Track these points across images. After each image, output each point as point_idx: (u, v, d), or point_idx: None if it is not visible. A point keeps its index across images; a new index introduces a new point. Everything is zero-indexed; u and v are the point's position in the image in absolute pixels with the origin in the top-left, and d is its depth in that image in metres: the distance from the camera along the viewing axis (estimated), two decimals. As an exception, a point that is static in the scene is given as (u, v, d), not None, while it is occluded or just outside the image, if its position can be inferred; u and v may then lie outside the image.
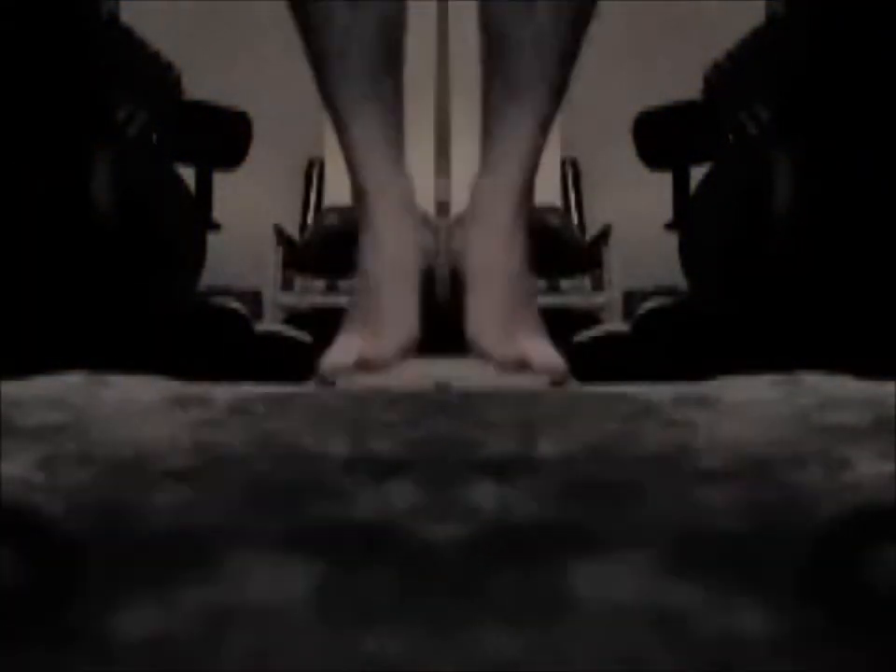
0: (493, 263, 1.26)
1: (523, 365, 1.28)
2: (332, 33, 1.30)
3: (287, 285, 5.29)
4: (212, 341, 1.97)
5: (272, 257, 5.28)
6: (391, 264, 1.27)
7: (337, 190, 5.52)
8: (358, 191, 1.32)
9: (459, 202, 4.93)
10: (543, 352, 1.28)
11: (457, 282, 1.29)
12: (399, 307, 1.27)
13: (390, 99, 1.33)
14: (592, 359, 2.03)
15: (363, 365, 1.27)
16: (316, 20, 1.32)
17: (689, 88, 2.20)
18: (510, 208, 1.26)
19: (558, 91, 1.33)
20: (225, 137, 2.19)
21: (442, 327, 1.39)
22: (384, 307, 1.27)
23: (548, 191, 5.61)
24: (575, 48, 1.35)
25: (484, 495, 0.88)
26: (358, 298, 1.30)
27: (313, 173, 5.86)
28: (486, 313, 1.25)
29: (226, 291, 4.57)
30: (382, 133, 1.30)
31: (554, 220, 5.52)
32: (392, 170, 1.31)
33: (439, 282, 1.42)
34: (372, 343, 1.27)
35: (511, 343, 1.27)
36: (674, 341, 1.97)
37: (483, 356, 1.29)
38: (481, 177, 1.31)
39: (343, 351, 1.28)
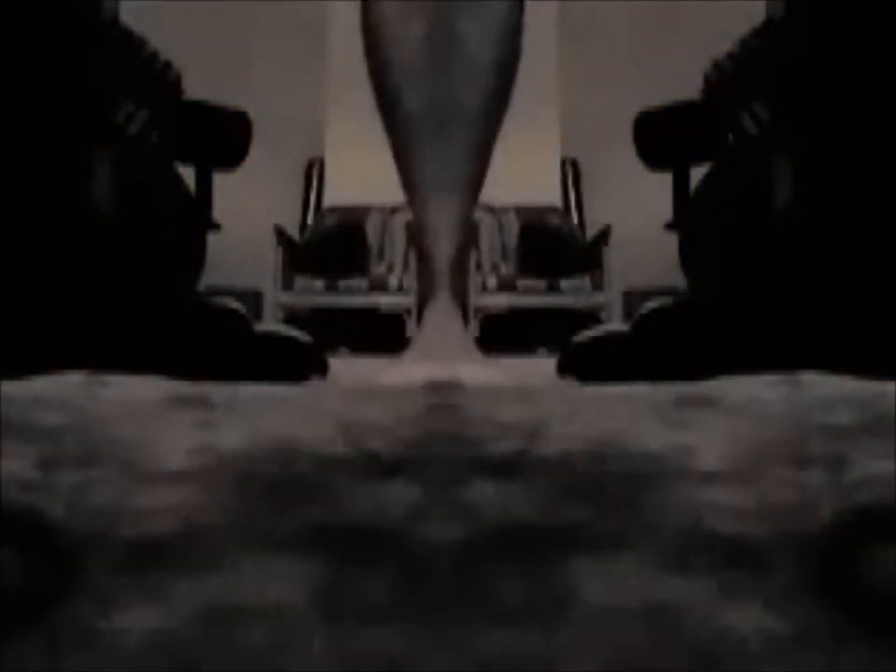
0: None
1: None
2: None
3: (287, 285, 5.28)
4: (212, 341, 1.97)
5: (272, 257, 5.26)
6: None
7: (337, 190, 5.51)
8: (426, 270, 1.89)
9: (459, 202, 4.93)
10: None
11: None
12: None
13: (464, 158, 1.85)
14: (592, 359, 2.03)
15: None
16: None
17: (689, 88, 2.19)
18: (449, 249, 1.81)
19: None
20: (225, 137, 2.18)
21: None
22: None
23: (548, 191, 5.60)
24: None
25: (484, 495, 0.88)
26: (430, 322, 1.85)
27: (313, 173, 5.85)
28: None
29: (226, 291, 4.56)
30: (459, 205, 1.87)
31: (554, 220, 5.51)
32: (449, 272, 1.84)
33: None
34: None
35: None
36: (674, 341, 1.97)
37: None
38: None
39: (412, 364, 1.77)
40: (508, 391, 1.94)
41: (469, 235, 1.79)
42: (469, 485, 0.92)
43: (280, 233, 5.36)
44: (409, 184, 1.81)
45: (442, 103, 1.70)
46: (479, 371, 1.96)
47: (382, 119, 1.80)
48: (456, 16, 1.75)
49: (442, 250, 1.71)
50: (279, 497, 0.89)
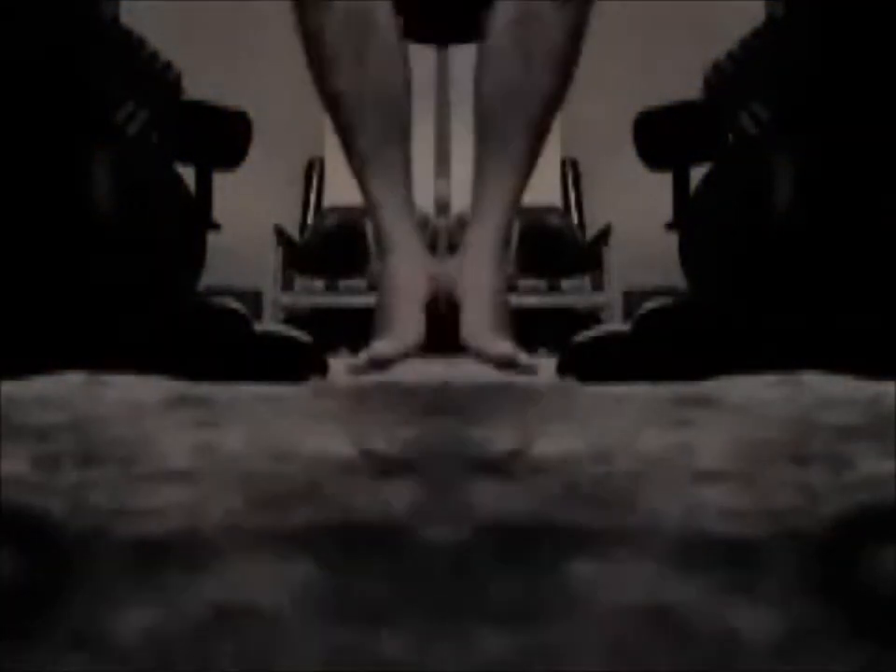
0: (482, 287, 1.63)
1: (508, 360, 1.60)
2: (346, 94, 1.61)
3: (287, 285, 5.29)
4: (212, 341, 1.97)
5: (272, 257, 5.27)
6: (404, 290, 1.64)
7: (337, 190, 5.52)
8: (379, 234, 1.68)
9: (459, 201, 4.94)
10: (516, 350, 1.59)
11: (453, 299, 1.64)
12: (409, 320, 1.61)
13: (405, 156, 1.67)
14: (592, 359, 2.03)
15: (378, 362, 1.59)
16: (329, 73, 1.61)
17: (689, 88, 2.20)
18: (495, 248, 1.65)
19: (541, 136, 1.68)
20: (225, 137, 2.18)
21: (443, 334, 1.68)
22: (394, 319, 1.62)
23: (548, 191, 5.61)
24: (563, 90, 1.66)
25: (484, 495, 0.88)
26: (377, 312, 1.68)
27: (313, 173, 5.86)
28: (476, 322, 1.61)
29: (226, 291, 4.57)
30: (402, 185, 1.66)
31: (554, 220, 5.52)
32: (406, 214, 1.66)
33: (441, 300, 1.67)
34: (385, 344, 1.60)
35: (497, 344, 1.60)
36: (674, 341, 1.97)
37: (476, 354, 1.63)
38: (472, 223, 1.68)
39: (362, 354, 1.60)
40: (508, 391, 1.94)
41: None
42: (468, 485, 0.92)
43: (280, 233, 5.36)
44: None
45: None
46: (474, 370, 1.97)
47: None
48: None
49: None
50: (279, 496, 0.89)
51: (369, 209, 1.68)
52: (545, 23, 1.59)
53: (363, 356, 1.59)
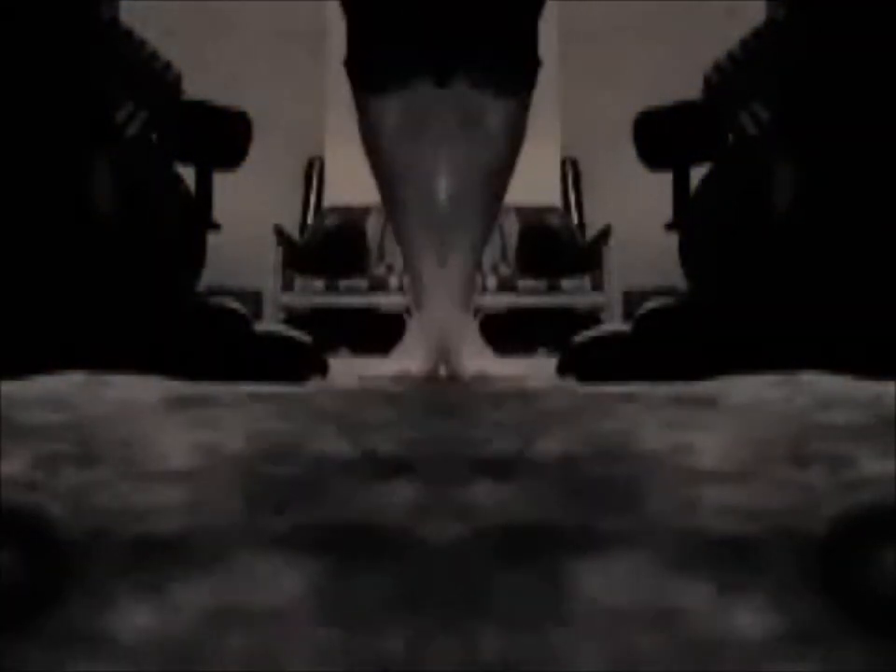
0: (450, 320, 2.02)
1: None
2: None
3: (287, 285, 5.29)
4: (212, 341, 1.97)
5: (272, 257, 5.27)
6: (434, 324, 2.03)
7: (337, 190, 5.52)
8: (416, 287, 2.09)
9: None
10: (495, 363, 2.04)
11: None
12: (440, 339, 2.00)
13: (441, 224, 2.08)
14: (592, 359, 2.03)
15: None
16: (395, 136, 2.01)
17: (689, 88, 2.20)
18: (461, 287, 2.08)
19: (496, 206, 2.15)
20: (225, 137, 2.18)
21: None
22: (429, 341, 2.02)
23: (548, 191, 5.61)
24: (512, 164, 2.12)
25: (484, 495, 0.88)
26: (412, 333, 2.11)
27: (313, 173, 5.86)
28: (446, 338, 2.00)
29: (226, 291, 4.56)
30: (435, 249, 2.06)
31: (554, 220, 5.52)
32: (437, 266, 2.04)
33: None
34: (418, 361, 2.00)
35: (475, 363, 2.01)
36: (674, 341, 1.97)
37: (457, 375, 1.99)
38: (442, 269, 2.05)
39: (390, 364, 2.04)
40: (508, 391, 1.94)
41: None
42: (469, 485, 0.92)
43: (280, 233, 5.35)
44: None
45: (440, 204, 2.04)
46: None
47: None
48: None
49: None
50: (279, 496, 0.89)
51: (408, 272, 2.17)
52: (492, 126, 2.03)
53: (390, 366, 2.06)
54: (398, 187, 2.06)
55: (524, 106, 2.08)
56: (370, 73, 2.02)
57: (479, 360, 2.02)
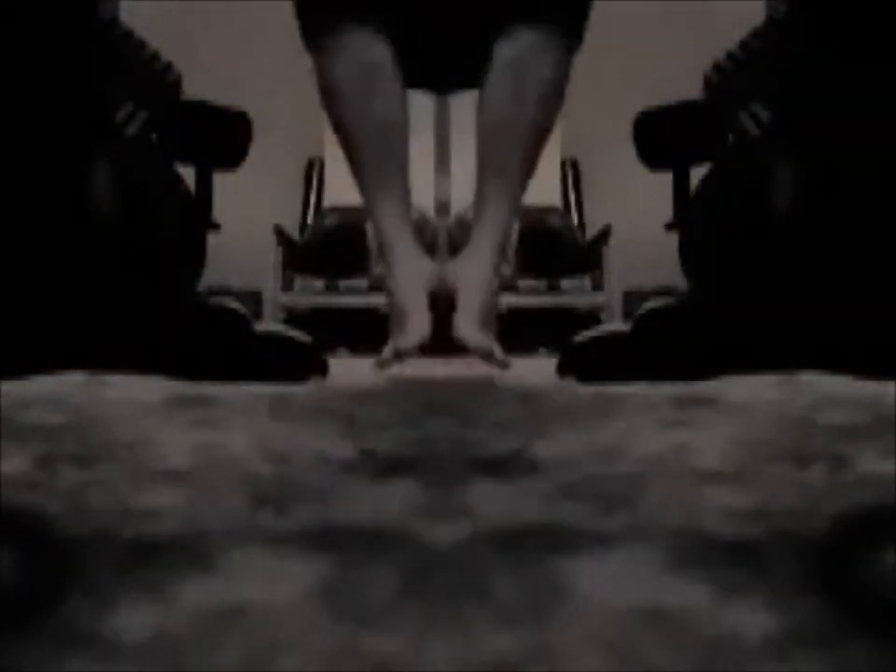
0: (475, 290, 1.94)
1: (489, 354, 1.93)
2: (369, 105, 1.93)
3: (287, 285, 5.29)
4: (212, 341, 1.97)
5: (272, 257, 5.27)
6: (409, 293, 1.94)
7: (337, 190, 5.52)
8: (382, 246, 2.00)
9: (459, 201, 4.94)
10: (497, 349, 1.94)
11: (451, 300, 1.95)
12: (417, 317, 1.92)
13: (405, 171, 2.01)
14: (592, 359, 2.03)
15: (398, 354, 1.91)
16: (351, 89, 1.94)
17: (689, 88, 2.20)
18: (492, 256, 1.97)
19: (533, 161, 2.01)
20: (225, 137, 2.18)
21: (444, 331, 1.97)
22: (406, 319, 1.93)
23: (548, 191, 5.61)
24: (551, 123, 2.02)
25: (484, 495, 0.88)
26: (392, 314, 1.98)
27: (313, 173, 5.86)
28: (466, 320, 1.92)
29: (226, 291, 4.57)
30: (404, 199, 1.98)
31: (554, 220, 5.52)
32: (408, 229, 1.98)
33: (440, 300, 1.96)
34: (402, 340, 1.91)
35: (483, 340, 1.92)
36: (674, 341, 1.97)
37: (464, 347, 1.93)
38: (473, 234, 2.00)
39: (386, 351, 1.94)
40: (508, 391, 1.94)
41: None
42: (468, 485, 0.92)
43: (280, 233, 5.36)
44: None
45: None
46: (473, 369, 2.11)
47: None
48: None
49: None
50: (279, 496, 0.89)
51: (373, 225, 2.03)
52: (533, 71, 1.95)
53: (387, 351, 1.93)
54: (360, 136, 1.96)
55: (570, 53, 2.01)
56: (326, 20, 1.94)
57: (483, 337, 1.93)
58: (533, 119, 1.96)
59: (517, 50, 1.94)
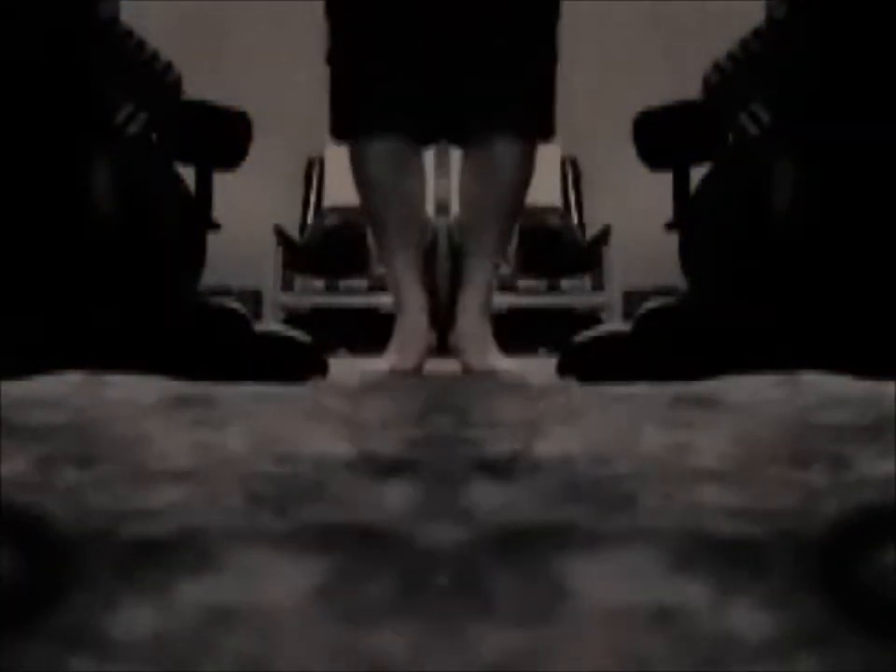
0: (473, 327, 2.36)
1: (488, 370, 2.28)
2: (391, 186, 2.35)
3: (286, 285, 5.28)
4: (212, 341, 1.97)
5: (272, 257, 5.27)
6: (411, 339, 2.34)
7: (337, 190, 5.51)
8: (396, 289, 2.41)
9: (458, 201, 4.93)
10: (502, 361, 2.33)
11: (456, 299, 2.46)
12: (419, 339, 2.33)
13: (421, 233, 2.59)
14: (592, 359, 2.03)
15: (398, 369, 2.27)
16: (378, 175, 2.36)
17: (689, 88, 2.20)
18: (483, 299, 2.40)
19: (508, 229, 2.58)
20: (225, 137, 2.18)
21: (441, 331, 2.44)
22: (409, 341, 2.34)
23: (548, 191, 5.61)
24: (520, 204, 2.54)
25: (484, 495, 0.88)
26: (397, 335, 2.36)
27: (313, 173, 5.85)
28: (468, 341, 2.35)
29: (226, 291, 4.56)
30: (417, 255, 2.43)
31: (554, 220, 5.52)
32: (417, 281, 2.39)
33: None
34: (403, 358, 2.30)
35: (481, 358, 2.32)
36: (674, 341, 1.97)
37: (464, 363, 2.35)
38: (464, 290, 2.43)
39: (381, 363, 2.31)
40: (508, 391, 1.94)
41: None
42: (469, 485, 0.92)
43: (280, 233, 5.35)
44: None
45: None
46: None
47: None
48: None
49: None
50: (279, 496, 0.89)
51: (390, 285, 2.45)
52: (501, 174, 2.36)
53: (382, 364, 2.30)
54: (386, 215, 2.39)
55: (532, 148, 2.39)
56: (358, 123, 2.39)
57: (492, 359, 2.31)
58: (503, 205, 2.41)
59: (487, 157, 2.36)
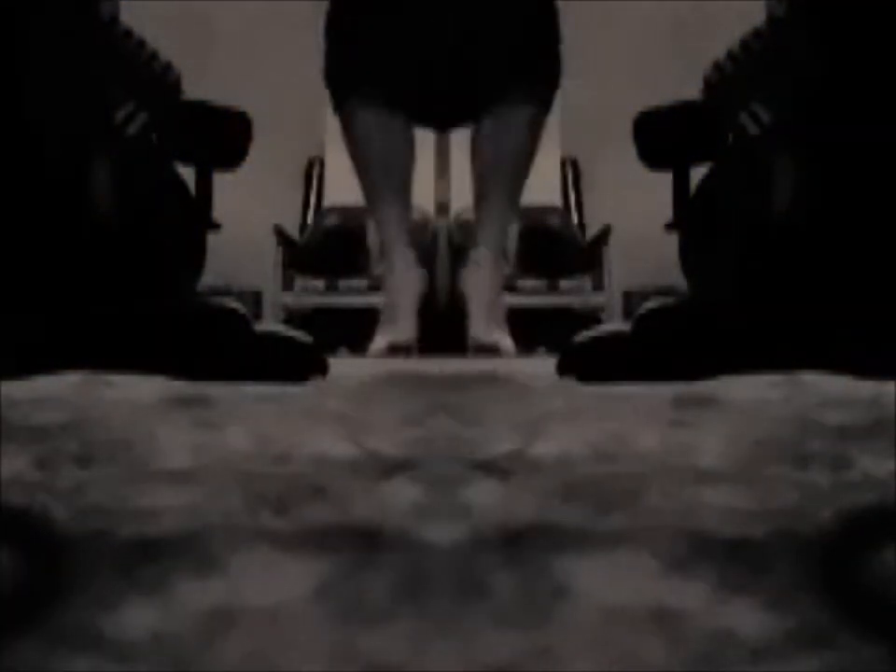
0: (484, 296, 2.45)
1: (496, 348, 2.37)
2: (375, 149, 2.48)
3: (286, 285, 5.28)
4: (212, 341, 1.97)
5: (272, 257, 5.26)
6: (403, 293, 2.46)
7: (337, 190, 5.51)
8: (385, 250, 2.55)
9: (458, 202, 4.93)
10: (507, 342, 2.43)
11: (456, 299, 2.53)
12: (407, 316, 2.44)
13: (406, 193, 2.60)
14: (592, 359, 2.03)
15: (392, 349, 2.36)
16: (363, 138, 2.49)
17: (689, 88, 2.20)
18: (493, 264, 2.51)
19: (521, 183, 2.57)
20: (225, 137, 2.18)
21: (441, 330, 2.50)
22: (398, 318, 2.44)
23: (548, 191, 5.60)
24: (532, 155, 2.55)
25: (484, 495, 0.88)
26: (384, 311, 2.52)
27: (313, 173, 5.84)
28: (481, 321, 2.42)
29: (226, 291, 4.56)
30: (402, 215, 2.53)
31: (554, 220, 5.51)
32: (404, 240, 2.51)
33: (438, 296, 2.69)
34: (394, 335, 2.39)
35: (493, 336, 2.41)
36: (674, 341, 1.97)
37: (476, 343, 2.39)
38: (475, 247, 2.54)
39: (377, 342, 2.41)
40: (508, 391, 1.94)
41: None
42: (468, 485, 0.92)
43: (280, 233, 5.35)
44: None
45: None
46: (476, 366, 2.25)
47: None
48: None
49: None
50: (279, 496, 0.89)
51: (377, 235, 2.64)
52: (511, 141, 2.49)
53: (379, 343, 2.38)
54: (379, 177, 2.51)
55: (545, 107, 2.57)
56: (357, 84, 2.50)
57: (498, 336, 2.42)
58: (517, 161, 2.53)
59: (498, 127, 2.48)
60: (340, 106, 2.52)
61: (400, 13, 2.46)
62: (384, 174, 2.48)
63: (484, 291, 2.43)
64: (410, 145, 2.55)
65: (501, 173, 2.49)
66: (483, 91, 2.48)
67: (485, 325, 2.39)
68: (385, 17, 2.48)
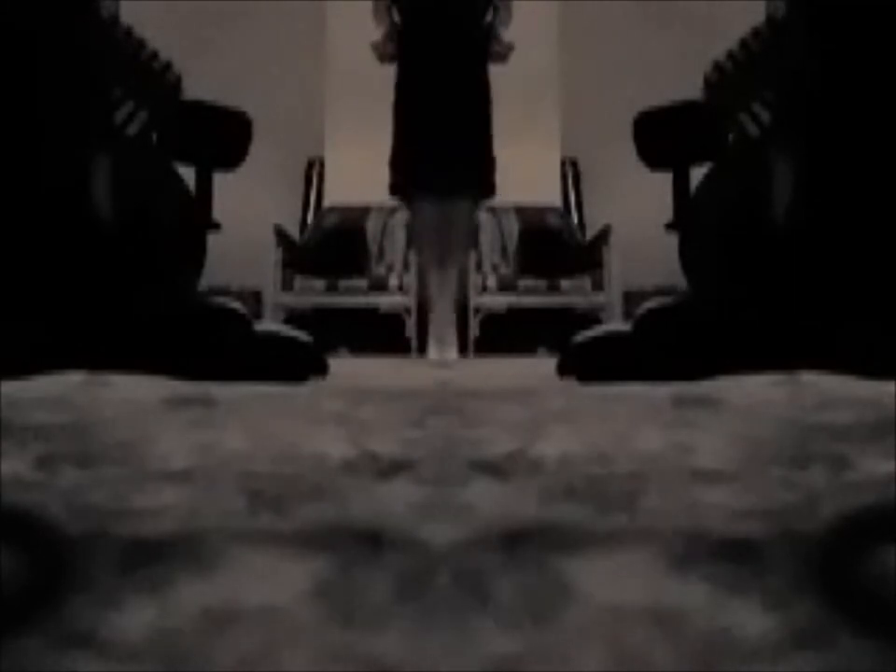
0: (444, 330, 3.68)
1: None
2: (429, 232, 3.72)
3: (286, 285, 5.28)
4: (212, 341, 1.97)
5: (272, 257, 5.27)
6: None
7: (337, 190, 5.52)
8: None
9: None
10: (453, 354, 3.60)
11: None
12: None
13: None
14: (592, 359, 2.03)
15: None
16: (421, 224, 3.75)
17: (689, 88, 2.20)
18: (451, 310, 3.74)
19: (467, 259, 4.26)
20: (225, 137, 2.19)
21: None
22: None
23: (548, 191, 5.61)
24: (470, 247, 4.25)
25: (484, 494, 0.88)
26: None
27: (313, 173, 5.85)
28: (440, 340, 3.58)
29: (226, 291, 4.56)
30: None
31: (554, 220, 5.52)
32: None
33: None
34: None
35: (449, 353, 3.58)
36: (674, 341, 1.97)
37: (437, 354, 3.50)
38: (436, 300, 3.74)
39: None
40: (508, 391, 1.94)
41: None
42: (468, 485, 0.92)
43: (280, 233, 5.35)
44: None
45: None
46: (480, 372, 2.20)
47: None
48: None
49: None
50: (279, 496, 0.89)
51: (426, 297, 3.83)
52: (453, 227, 3.65)
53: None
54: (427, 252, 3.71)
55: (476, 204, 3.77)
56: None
57: (451, 353, 3.48)
58: (463, 247, 3.83)
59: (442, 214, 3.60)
60: (409, 194, 3.85)
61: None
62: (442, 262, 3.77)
63: (444, 327, 3.61)
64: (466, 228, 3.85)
65: (456, 254, 3.74)
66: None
67: (445, 346, 3.53)
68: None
